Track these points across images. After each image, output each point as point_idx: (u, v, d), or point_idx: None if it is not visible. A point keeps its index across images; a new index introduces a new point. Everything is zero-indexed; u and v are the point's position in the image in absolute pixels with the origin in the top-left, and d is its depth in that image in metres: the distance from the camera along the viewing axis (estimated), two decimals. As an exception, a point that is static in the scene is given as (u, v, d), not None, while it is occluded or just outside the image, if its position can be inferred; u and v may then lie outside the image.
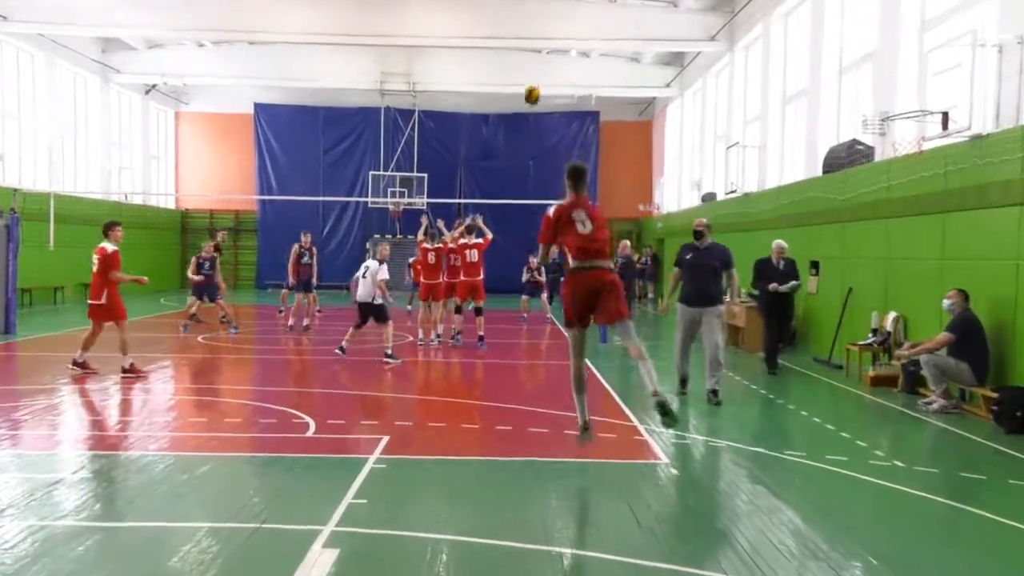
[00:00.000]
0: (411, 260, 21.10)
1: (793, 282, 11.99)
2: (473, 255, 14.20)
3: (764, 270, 12.18)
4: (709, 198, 22.21)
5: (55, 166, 23.91)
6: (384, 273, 12.23)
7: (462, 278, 14.24)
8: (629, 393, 10.16)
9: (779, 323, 12.16)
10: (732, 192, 19.46)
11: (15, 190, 18.21)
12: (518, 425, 8.11)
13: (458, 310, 14.59)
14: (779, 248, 12.22)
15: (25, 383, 10.14)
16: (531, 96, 8.53)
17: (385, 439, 7.30)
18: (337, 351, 12.46)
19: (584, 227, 6.42)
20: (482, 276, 14.22)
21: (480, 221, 14.64)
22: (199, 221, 31.58)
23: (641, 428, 8.02)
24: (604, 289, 6.21)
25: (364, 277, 12.25)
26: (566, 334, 6.53)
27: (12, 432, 7.40)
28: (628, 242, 16.99)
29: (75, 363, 10.44)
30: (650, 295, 28.02)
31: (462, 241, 14.37)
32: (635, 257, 29.17)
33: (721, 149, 20.99)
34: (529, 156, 30.94)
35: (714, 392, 9.32)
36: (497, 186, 30.13)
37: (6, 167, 21.76)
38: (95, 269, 10.31)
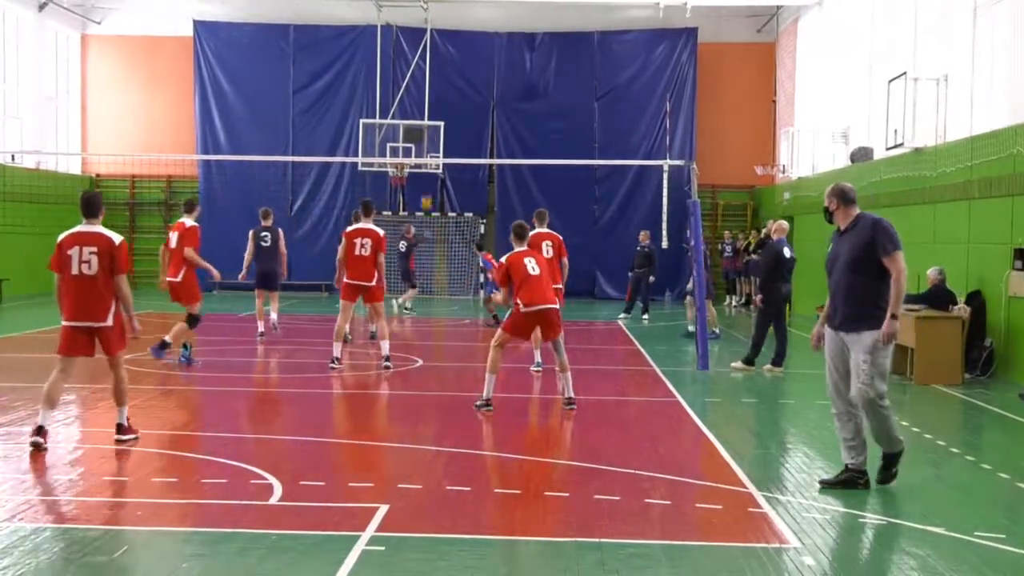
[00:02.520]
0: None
1: None
2: (366, 247, 14.63)
3: None
4: (862, 156, 21.96)
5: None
6: None
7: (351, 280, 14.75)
8: (741, 446, 10.13)
9: None
10: (897, 147, 19.25)
11: None
12: (577, 489, 8.12)
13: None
14: None
15: None
16: None
17: (383, 509, 7.36)
18: None
19: (534, 270, 11.44)
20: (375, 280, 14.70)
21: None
22: (116, 191, 32.09)
23: (759, 496, 7.99)
24: (548, 320, 11.47)
25: None
26: (499, 335, 11.55)
27: None
28: (783, 222, 16.40)
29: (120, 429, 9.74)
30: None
31: (356, 226, 14.93)
32: (739, 244, 28.99)
33: (881, 83, 20.78)
34: (594, 95, 30.96)
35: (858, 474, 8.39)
36: (547, 139, 30.20)
37: None
38: (96, 266, 9.30)
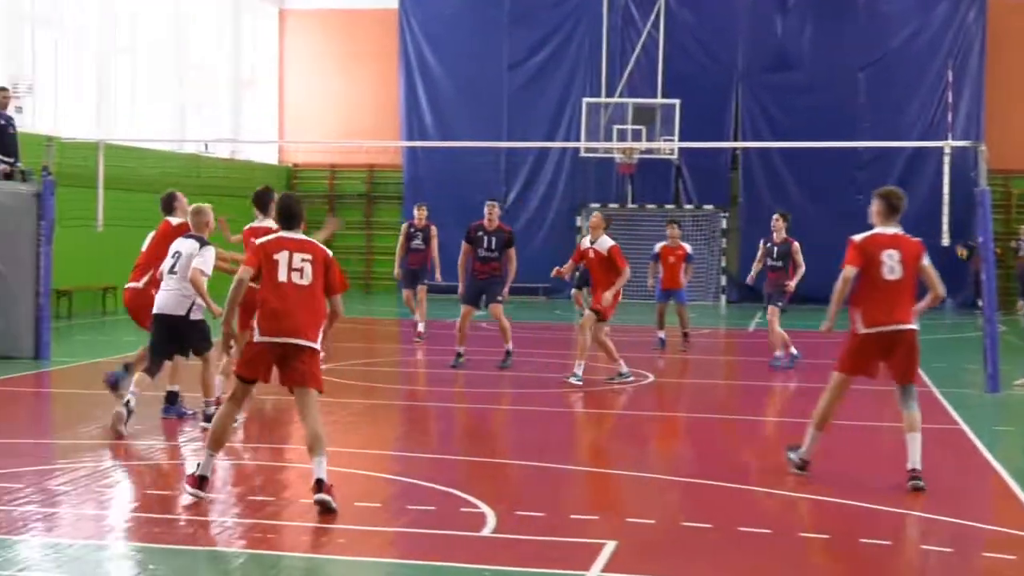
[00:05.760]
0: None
1: None
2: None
3: None
4: None
5: (105, 101, 26.06)
6: (207, 262, 10.71)
7: None
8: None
9: None
10: None
11: (49, 139, 19.15)
12: (838, 531, 7.96)
13: None
14: None
15: (63, 435, 11.23)
16: None
17: (611, 545, 7.36)
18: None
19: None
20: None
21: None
22: (314, 183, 33.30)
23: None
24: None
25: (173, 271, 10.86)
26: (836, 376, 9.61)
27: (46, 510, 8.17)
28: None
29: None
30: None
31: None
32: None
33: None
34: (857, 65, 30.20)
35: None
36: (801, 118, 29.57)
37: (37, 102, 23.79)
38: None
